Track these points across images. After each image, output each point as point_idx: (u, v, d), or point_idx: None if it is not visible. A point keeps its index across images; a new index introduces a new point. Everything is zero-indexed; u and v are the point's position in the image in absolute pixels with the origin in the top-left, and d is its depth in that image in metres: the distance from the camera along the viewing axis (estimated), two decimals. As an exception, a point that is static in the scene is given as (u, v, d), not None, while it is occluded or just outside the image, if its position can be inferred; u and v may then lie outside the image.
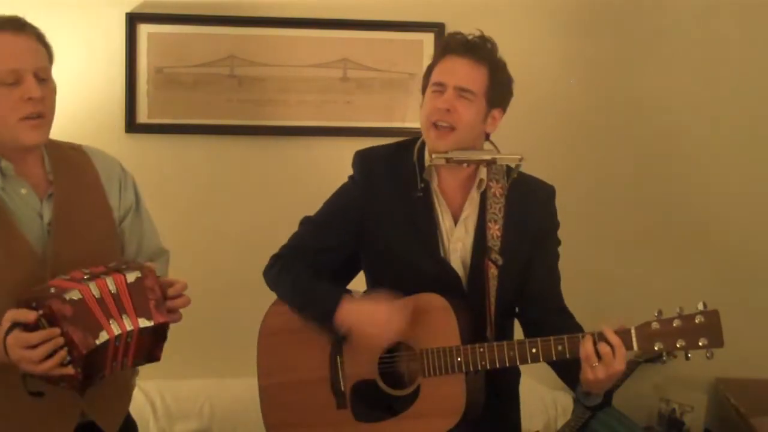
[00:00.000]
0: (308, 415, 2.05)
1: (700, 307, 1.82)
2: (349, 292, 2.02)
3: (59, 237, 1.81)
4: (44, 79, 1.78)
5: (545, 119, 3.18)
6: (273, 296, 2.11)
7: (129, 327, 1.70)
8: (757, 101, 3.30)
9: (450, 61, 1.98)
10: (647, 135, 3.28)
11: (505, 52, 2.03)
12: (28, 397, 1.69)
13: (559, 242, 2.13)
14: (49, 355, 1.61)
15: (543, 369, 3.04)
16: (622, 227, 3.30)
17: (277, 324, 2.09)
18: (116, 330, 1.68)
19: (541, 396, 3.13)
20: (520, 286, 2.05)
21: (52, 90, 1.81)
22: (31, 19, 1.89)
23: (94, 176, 1.93)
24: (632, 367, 3.16)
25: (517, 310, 2.12)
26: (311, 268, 2.06)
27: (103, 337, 1.65)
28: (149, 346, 1.78)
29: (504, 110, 2.04)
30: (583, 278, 3.07)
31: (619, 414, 3.08)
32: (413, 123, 3.13)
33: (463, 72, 1.96)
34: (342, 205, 2.09)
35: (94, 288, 1.68)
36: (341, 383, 2.01)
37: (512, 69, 2.04)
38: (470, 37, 1.99)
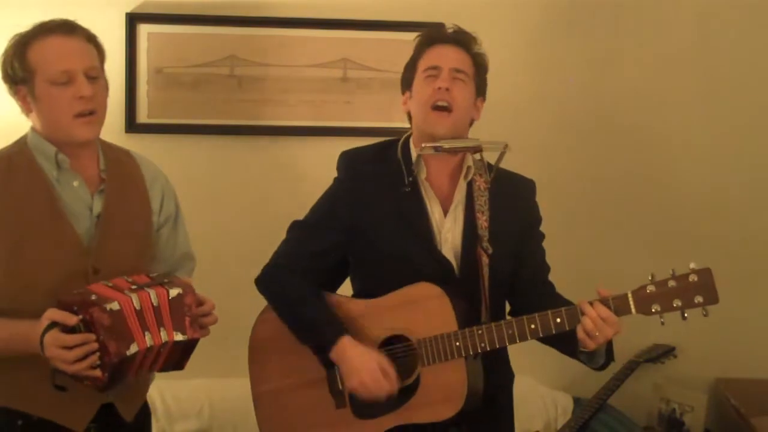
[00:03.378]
0: (307, 418, 2.05)
1: (692, 266, 1.85)
2: (342, 329, 1.99)
3: (106, 230, 1.92)
4: (95, 78, 1.89)
5: (541, 118, 3.18)
6: (273, 296, 2.11)
7: (164, 339, 1.81)
8: (753, 100, 3.30)
9: (439, 48, 2.05)
10: (643, 134, 3.28)
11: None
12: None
13: (543, 236, 2.14)
14: (82, 358, 1.71)
15: (543, 369, 3.08)
16: (618, 226, 3.30)
17: (266, 332, 2.11)
18: (149, 342, 1.79)
19: (541, 396, 3.13)
20: (510, 278, 2.06)
21: (103, 87, 1.92)
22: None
23: (141, 179, 2.05)
24: (632, 366, 3.16)
25: (508, 309, 2.12)
26: (305, 277, 2.05)
27: (134, 348, 1.76)
28: (178, 357, 1.89)
29: (484, 99, 2.10)
30: (579, 276, 3.07)
31: (619, 414, 3.08)
32: (413, 123, 3.14)
33: (454, 55, 2.03)
34: (331, 207, 2.09)
35: (135, 300, 1.78)
36: (339, 383, 2.01)
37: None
38: (451, 30, 2.07)
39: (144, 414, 2.10)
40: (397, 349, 2.00)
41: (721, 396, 3.25)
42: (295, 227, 2.13)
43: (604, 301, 1.86)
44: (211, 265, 3.12)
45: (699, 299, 1.83)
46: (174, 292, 1.83)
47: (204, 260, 3.09)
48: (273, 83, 3.13)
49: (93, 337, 1.71)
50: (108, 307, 1.72)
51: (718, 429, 3.30)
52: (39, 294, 1.77)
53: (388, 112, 3.16)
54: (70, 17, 1.95)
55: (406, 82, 2.10)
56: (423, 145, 1.97)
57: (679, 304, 1.84)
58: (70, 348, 1.70)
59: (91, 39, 1.92)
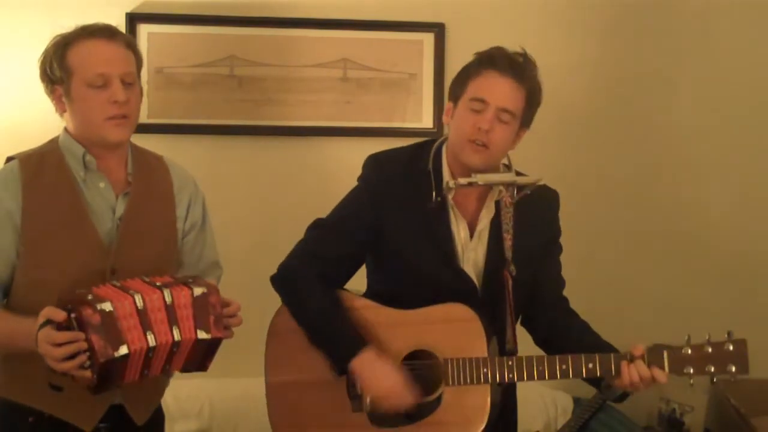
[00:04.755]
0: (319, 416, 2.03)
1: (729, 333, 1.90)
2: (363, 342, 1.98)
3: (126, 232, 1.94)
4: (130, 83, 1.92)
5: (547, 120, 3.16)
6: (274, 296, 2.11)
7: (177, 338, 1.79)
8: (758, 100, 3.30)
9: (493, 78, 1.93)
10: (650, 137, 3.29)
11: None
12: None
13: (561, 250, 2.14)
14: (72, 357, 1.70)
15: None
16: (624, 229, 3.30)
17: (288, 322, 2.07)
18: (151, 342, 1.76)
19: (541, 396, 3.13)
20: (530, 294, 2.06)
21: (137, 93, 1.95)
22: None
23: (168, 185, 2.07)
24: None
25: (520, 319, 2.12)
26: (323, 279, 2.03)
27: (123, 350, 1.73)
28: (201, 356, 1.88)
29: (528, 128, 2.03)
30: (584, 281, 3.08)
31: (619, 414, 3.08)
32: (413, 123, 3.14)
33: (506, 92, 1.92)
34: (355, 211, 2.06)
35: (138, 299, 1.76)
36: (359, 387, 1.99)
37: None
38: (514, 55, 1.96)
39: (157, 418, 2.11)
40: (421, 364, 1.99)
41: (721, 396, 3.25)
42: (317, 227, 2.09)
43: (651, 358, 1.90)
44: (211, 265, 3.13)
45: (732, 368, 1.88)
46: (198, 290, 1.83)
47: (204, 260, 3.11)
48: (273, 83, 3.13)
49: (82, 335, 1.70)
50: (99, 306, 1.71)
51: (718, 429, 3.30)
52: (56, 291, 1.78)
53: (388, 112, 3.17)
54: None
55: (454, 94, 2.01)
56: (458, 180, 1.92)
57: (712, 370, 1.88)
58: (59, 345, 1.70)
59: (130, 45, 1.96)
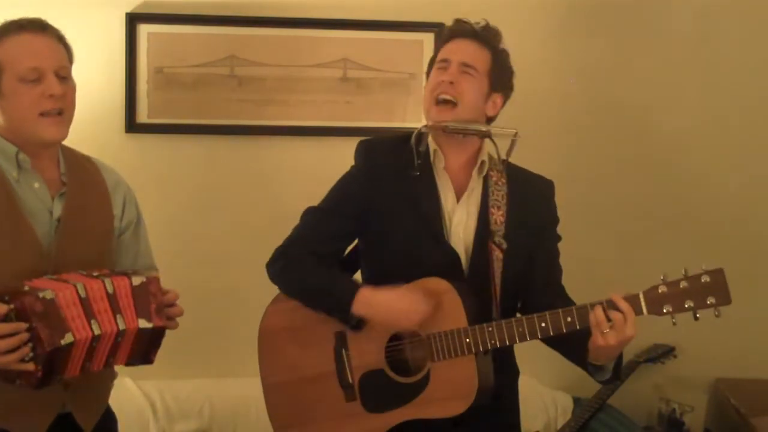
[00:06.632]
0: (317, 411, 2.05)
1: (704, 267, 1.83)
2: (357, 285, 2.01)
3: (66, 234, 1.87)
4: (65, 77, 1.85)
5: (543, 118, 3.18)
6: (273, 296, 2.12)
7: (122, 327, 1.76)
8: (755, 100, 3.30)
9: (455, 43, 2.05)
10: (646, 134, 3.28)
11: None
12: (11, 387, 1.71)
13: (559, 238, 2.14)
14: (12, 350, 1.64)
15: (543, 369, 3.08)
16: (620, 226, 3.30)
17: (276, 323, 2.09)
18: (95, 330, 1.72)
19: (541, 396, 3.13)
20: (524, 276, 2.06)
21: (72, 88, 1.89)
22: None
23: (102, 184, 2.01)
24: (632, 367, 3.16)
25: (519, 306, 2.12)
26: (315, 256, 2.06)
27: (68, 338, 1.69)
28: (145, 347, 1.84)
29: (504, 97, 2.09)
30: (580, 276, 3.08)
31: (619, 414, 3.08)
32: (413, 123, 3.13)
33: (467, 51, 2.02)
34: (347, 193, 2.09)
35: (80, 288, 1.73)
36: (349, 376, 2.01)
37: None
38: (476, 25, 2.06)
39: (107, 423, 2.05)
40: (406, 343, 2.00)
41: (721, 396, 3.25)
42: (309, 212, 2.13)
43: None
44: (211, 264, 3.14)
45: (711, 300, 1.82)
46: (137, 280, 1.80)
47: (204, 260, 3.12)
48: (273, 83, 3.13)
49: (24, 325, 1.64)
50: (41, 295, 1.66)
51: (718, 429, 3.30)
52: None
53: (388, 112, 3.17)
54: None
55: (427, 76, 2.12)
56: (430, 123, 1.99)
57: (691, 305, 1.82)
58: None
59: (61, 39, 1.89)
